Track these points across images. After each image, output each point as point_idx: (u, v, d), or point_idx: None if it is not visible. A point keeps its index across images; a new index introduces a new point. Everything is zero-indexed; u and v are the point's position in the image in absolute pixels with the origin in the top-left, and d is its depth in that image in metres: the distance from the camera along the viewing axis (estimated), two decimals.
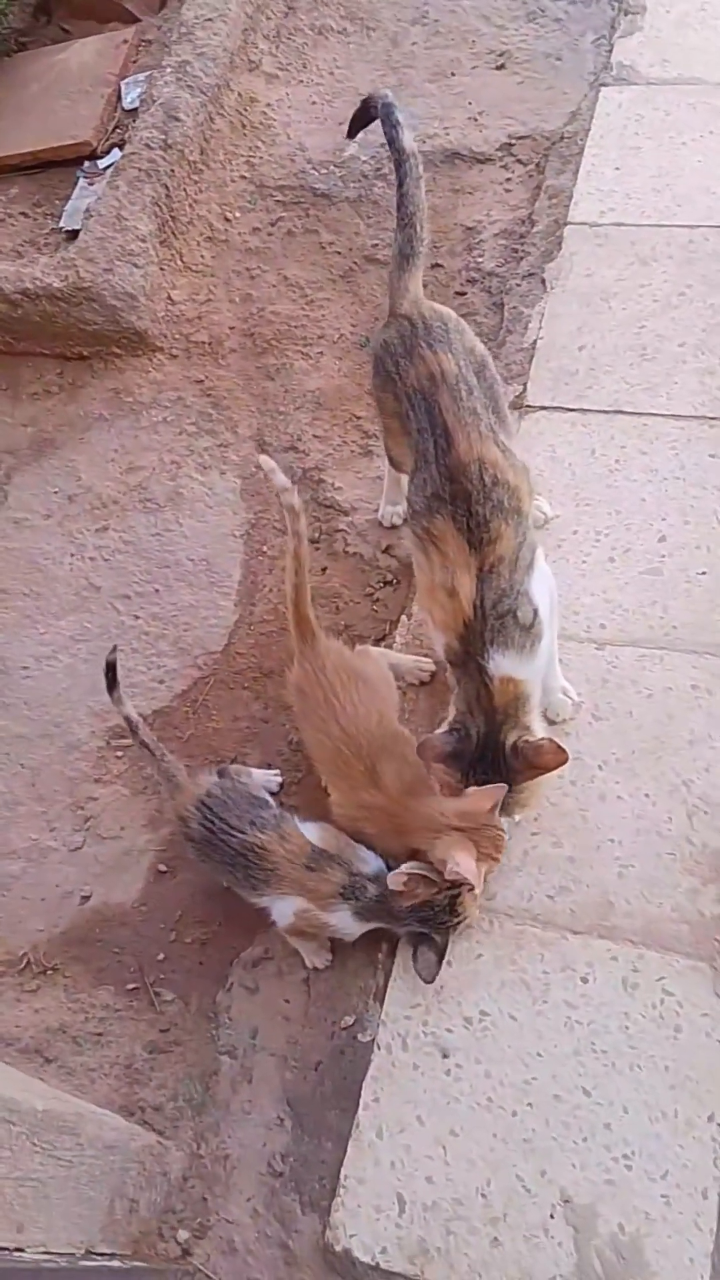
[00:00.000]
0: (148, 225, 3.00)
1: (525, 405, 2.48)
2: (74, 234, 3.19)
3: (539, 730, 1.87)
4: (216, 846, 1.96)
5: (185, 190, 3.12)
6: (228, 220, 3.15)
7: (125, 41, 3.60)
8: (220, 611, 2.56)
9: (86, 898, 2.27)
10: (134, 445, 2.86)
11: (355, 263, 2.98)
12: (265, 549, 2.60)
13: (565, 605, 2.14)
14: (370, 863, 1.94)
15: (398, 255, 2.12)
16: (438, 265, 2.83)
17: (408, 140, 2.14)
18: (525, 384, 2.50)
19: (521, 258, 2.76)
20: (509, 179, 2.95)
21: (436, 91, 3.16)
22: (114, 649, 2.15)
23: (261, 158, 3.22)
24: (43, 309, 2.94)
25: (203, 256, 3.10)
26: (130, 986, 2.14)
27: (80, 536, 2.75)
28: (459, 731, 1.86)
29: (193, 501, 2.74)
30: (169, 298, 3.02)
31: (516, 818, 1.96)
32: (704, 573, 2.20)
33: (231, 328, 2.97)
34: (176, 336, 2.99)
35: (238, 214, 3.15)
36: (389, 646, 2.30)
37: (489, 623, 1.82)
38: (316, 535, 2.58)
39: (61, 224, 3.30)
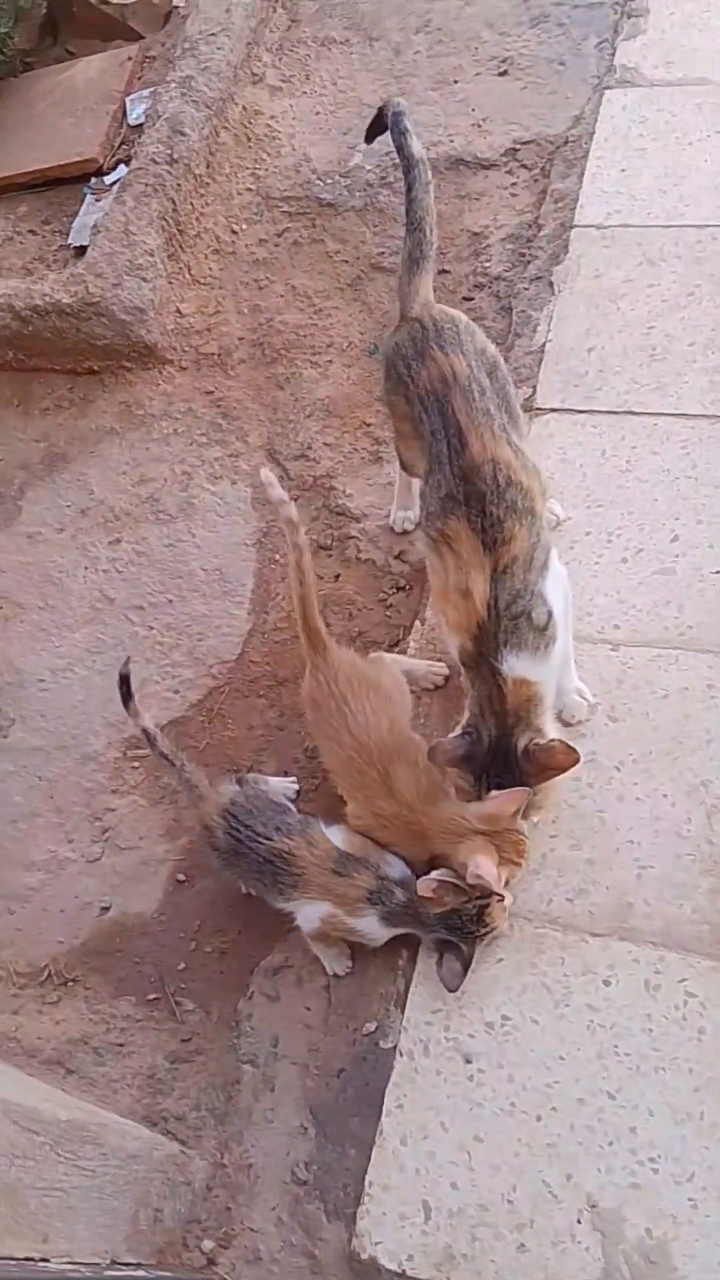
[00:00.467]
0: (155, 239, 3.02)
1: (535, 408, 2.48)
2: (82, 250, 3.21)
3: (551, 732, 1.86)
4: (243, 855, 1.96)
5: (192, 204, 3.14)
6: (234, 232, 3.16)
7: (130, 59, 3.62)
8: (234, 620, 2.56)
9: (106, 908, 2.27)
10: (145, 457, 2.88)
11: (362, 271, 2.99)
12: (277, 557, 2.60)
13: (579, 606, 2.13)
14: (396, 867, 1.93)
15: (407, 259, 2.12)
16: (445, 271, 2.83)
17: (416, 146, 2.16)
18: (535, 387, 2.50)
19: (529, 261, 2.77)
20: (514, 184, 2.96)
21: (440, 99, 3.17)
22: (126, 661, 2.15)
23: (267, 169, 3.24)
24: (53, 325, 2.96)
25: (210, 269, 3.11)
26: (151, 996, 2.14)
27: (93, 549, 2.77)
28: (470, 735, 1.85)
29: (204, 511, 2.75)
30: (177, 310, 3.04)
31: (534, 820, 1.95)
32: (717, 571, 2.19)
33: (240, 338, 2.98)
34: (186, 348, 3.00)
35: (244, 226, 3.17)
36: (403, 652, 2.30)
37: (503, 624, 1.81)
38: (328, 543, 2.58)
39: (70, 240, 3.33)
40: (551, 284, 2.67)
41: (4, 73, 3.69)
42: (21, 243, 3.43)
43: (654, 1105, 1.75)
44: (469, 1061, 1.84)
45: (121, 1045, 2.08)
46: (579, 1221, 1.69)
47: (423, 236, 2.12)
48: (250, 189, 3.22)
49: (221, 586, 2.61)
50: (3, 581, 2.77)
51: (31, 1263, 1.36)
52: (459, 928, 1.83)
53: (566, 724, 2.06)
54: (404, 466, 2.27)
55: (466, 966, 1.85)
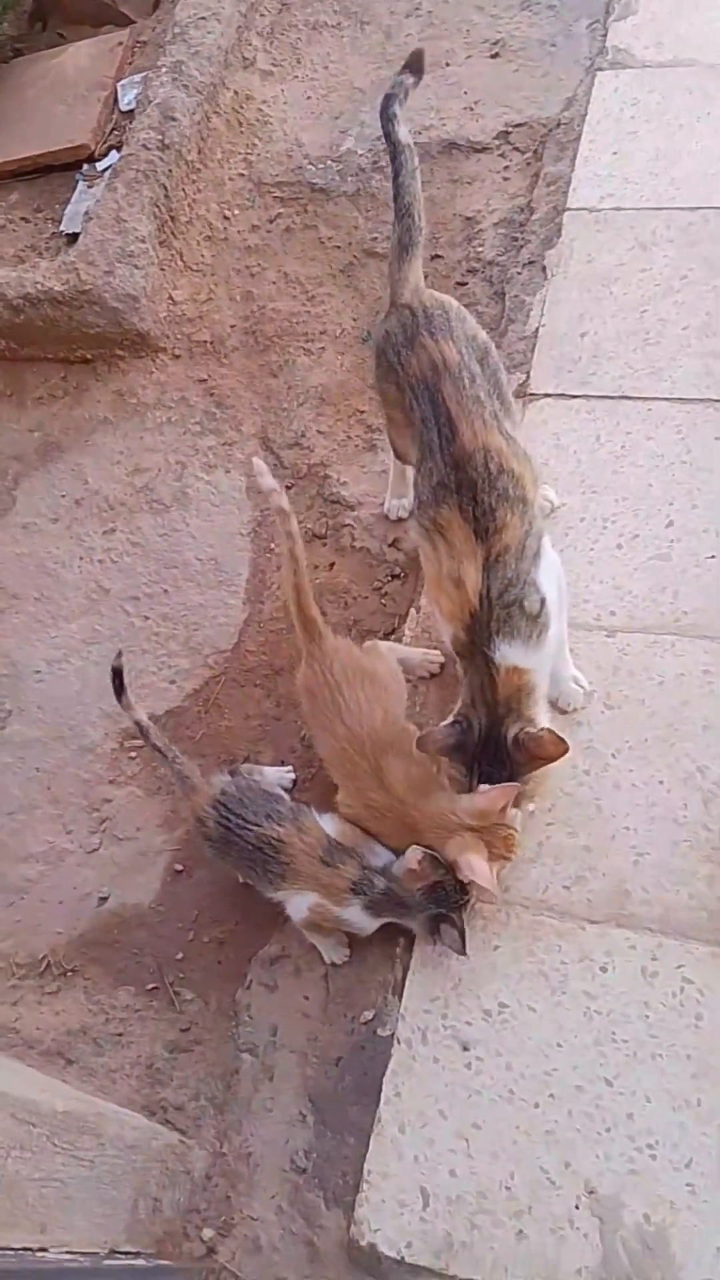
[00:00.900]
0: (147, 226, 2.99)
1: (529, 393, 2.46)
2: (74, 237, 3.19)
3: (544, 721, 1.86)
4: (234, 843, 1.96)
5: (184, 190, 3.12)
6: (227, 219, 3.14)
7: (120, 44, 3.60)
8: (229, 610, 2.56)
9: (104, 899, 2.28)
10: (139, 447, 2.87)
11: (355, 257, 2.97)
12: (273, 546, 2.59)
13: (574, 593, 2.13)
14: (380, 856, 1.93)
15: (397, 245, 2.11)
16: (438, 256, 2.82)
17: (403, 132, 2.14)
18: (528, 372, 2.49)
19: (521, 246, 2.75)
20: (507, 167, 2.94)
21: (432, 82, 3.14)
22: (119, 655, 2.14)
23: (259, 155, 3.21)
24: (45, 313, 2.95)
25: (203, 256, 3.10)
26: (150, 987, 2.15)
27: (88, 539, 2.76)
28: (461, 724, 1.85)
29: (199, 501, 2.74)
30: (170, 298, 3.02)
31: (530, 808, 1.95)
32: (713, 557, 2.18)
33: (233, 326, 2.97)
34: (179, 336, 2.99)
35: (236, 212, 3.15)
36: (398, 640, 2.30)
37: (495, 612, 1.81)
38: (323, 531, 2.57)
39: (62, 228, 3.31)
40: (544, 268, 2.65)
41: None
42: (14, 230, 3.41)
43: (651, 1092, 1.75)
44: (467, 1049, 1.84)
45: (120, 1035, 2.09)
46: (577, 1208, 1.70)
47: (412, 223, 2.10)
48: (242, 175, 3.19)
49: (217, 576, 2.61)
50: None
51: (30, 1253, 1.36)
52: (445, 899, 1.84)
53: (563, 711, 2.05)
54: (397, 454, 2.26)
55: (462, 931, 1.85)
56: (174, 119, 3.11)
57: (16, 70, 3.70)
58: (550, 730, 1.79)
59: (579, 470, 2.34)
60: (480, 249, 2.81)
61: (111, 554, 2.72)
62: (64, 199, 3.41)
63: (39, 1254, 1.37)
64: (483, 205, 2.89)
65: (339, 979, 1.99)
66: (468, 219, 2.88)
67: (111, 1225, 1.57)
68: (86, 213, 3.13)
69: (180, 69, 3.20)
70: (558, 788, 1.99)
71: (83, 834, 2.37)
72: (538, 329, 2.55)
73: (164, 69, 3.22)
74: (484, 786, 1.82)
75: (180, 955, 2.17)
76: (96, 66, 3.58)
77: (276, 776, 2.21)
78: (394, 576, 2.46)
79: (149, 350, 2.98)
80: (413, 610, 2.34)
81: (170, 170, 3.06)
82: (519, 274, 2.69)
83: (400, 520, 2.49)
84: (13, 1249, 1.33)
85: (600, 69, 2.94)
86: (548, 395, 2.46)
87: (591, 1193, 1.71)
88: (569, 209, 2.71)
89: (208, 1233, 1.80)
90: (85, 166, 3.43)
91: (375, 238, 2.95)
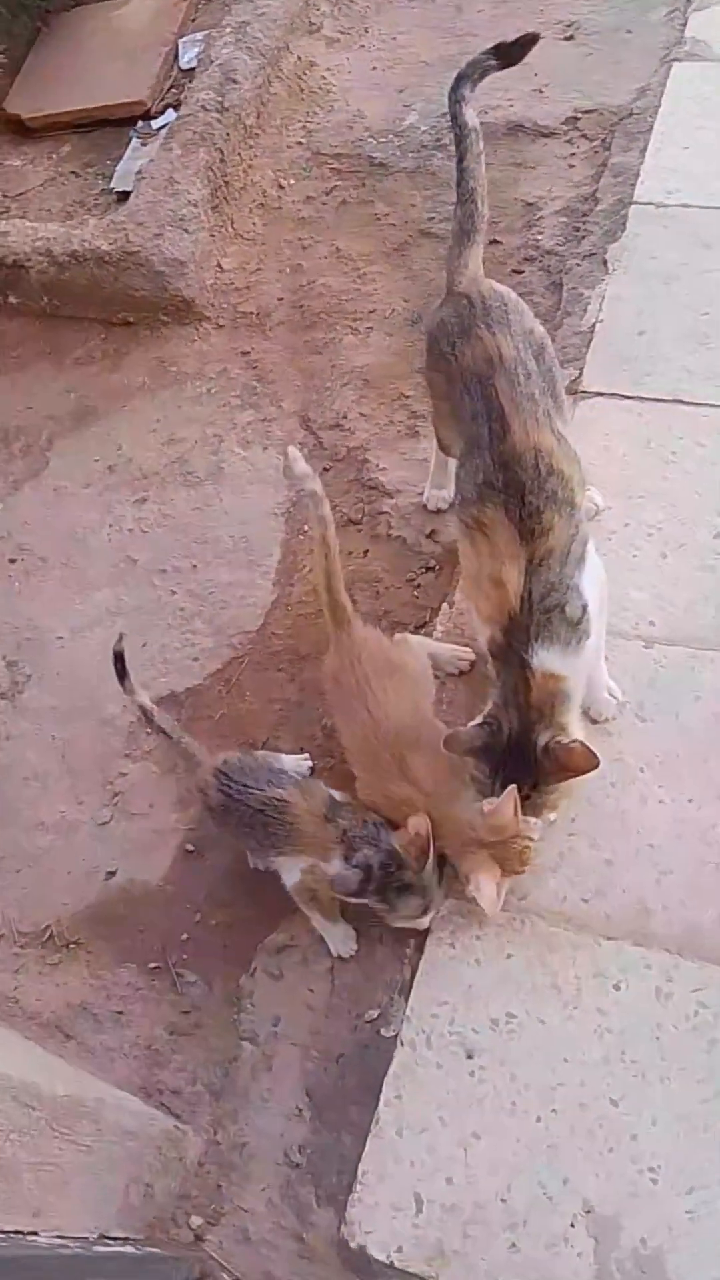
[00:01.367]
0: (200, 190, 2.94)
1: (580, 390, 2.40)
2: (124, 195, 3.15)
3: (577, 730, 1.81)
4: (234, 810, 1.95)
5: (239, 155, 3.06)
6: (281, 188, 3.08)
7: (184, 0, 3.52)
8: (257, 591, 2.52)
9: (112, 874, 2.25)
10: (176, 416, 2.82)
11: (409, 236, 2.90)
12: (305, 528, 2.54)
13: (614, 600, 2.07)
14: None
15: (457, 231, 2.05)
16: (495, 241, 2.75)
17: (470, 115, 2.07)
18: (581, 369, 2.43)
19: (583, 237, 2.68)
20: (573, 154, 2.87)
21: None
22: (120, 638, 2.10)
23: (318, 124, 3.15)
24: (90, 273, 2.90)
25: (254, 224, 3.04)
26: (153, 966, 2.12)
27: (119, 508, 2.72)
28: (491, 726, 1.81)
29: (234, 477, 2.69)
30: (218, 266, 2.97)
31: (551, 817, 1.91)
32: None
33: (280, 299, 2.91)
34: (224, 306, 2.94)
35: (291, 181, 3.08)
36: (429, 634, 2.25)
37: (535, 616, 1.76)
38: (359, 517, 2.53)
39: (112, 185, 3.26)
40: (605, 262, 2.58)
41: (55, 6, 3.60)
42: (63, 184, 3.36)
43: (657, 1114, 1.72)
44: (471, 1057, 1.81)
45: (121, 1014, 2.07)
46: (573, 1225, 1.67)
47: (474, 209, 2.04)
48: (300, 143, 3.13)
49: (247, 555, 2.57)
50: (27, 535, 2.73)
51: (21, 1236, 1.35)
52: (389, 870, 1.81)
53: (594, 721, 2.01)
54: (441, 446, 2.21)
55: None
56: (235, 81, 3.05)
57: (75, 20, 3.64)
58: (583, 743, 1.74)
59: (626, 474, 2.28)
60: (539, 237, 2.75)
61: (142, 524, 2.68)
62: (115, 155, 3.35)
63: (30, 1237, 1.35)
64: (545, 192, 2.82)
65: (345, 974, 1.97)
66: (529, 204, 2.81)
67: (103, 1210, 1.56)
68: (139, 172, 3.08)
69: (244, 30, 3.14)
70: (583, 797, 1.95)
71: (95, 806, 2.34)
72: (594, 324, 2.49)
73: (228, 29, 3.16)
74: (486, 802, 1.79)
75: (185, 936, 2.14)
76: (158, 21, 3.50)
77: (293, 764, 2.18)
78: (428, 569, 2.42)
79: (193, 318, 2.93)
80: (445, 605, 2.29)
81: (228, 134, 3.01)
82: (578, 265, 2.62)
83: (439, 512, 2.44)
84: (4, 1231, 1.31)
85: (676, 60, 2.86)
86: (600, 394, 2.40)
87: (589, 1211, 1.68)
88: (634, 202, 2.64)
89: (196, 1220, 1.78)
90: (140, 124, 3.37)
91: (432, 218, 2.89)
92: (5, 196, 3.32)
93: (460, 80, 2.09)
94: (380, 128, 3.08)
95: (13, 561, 2.69)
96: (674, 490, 2.25)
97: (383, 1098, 1.80)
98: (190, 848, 2.24)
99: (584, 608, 1.80)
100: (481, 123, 2.10)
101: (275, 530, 2.59)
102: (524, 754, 1.78)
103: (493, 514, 1.80)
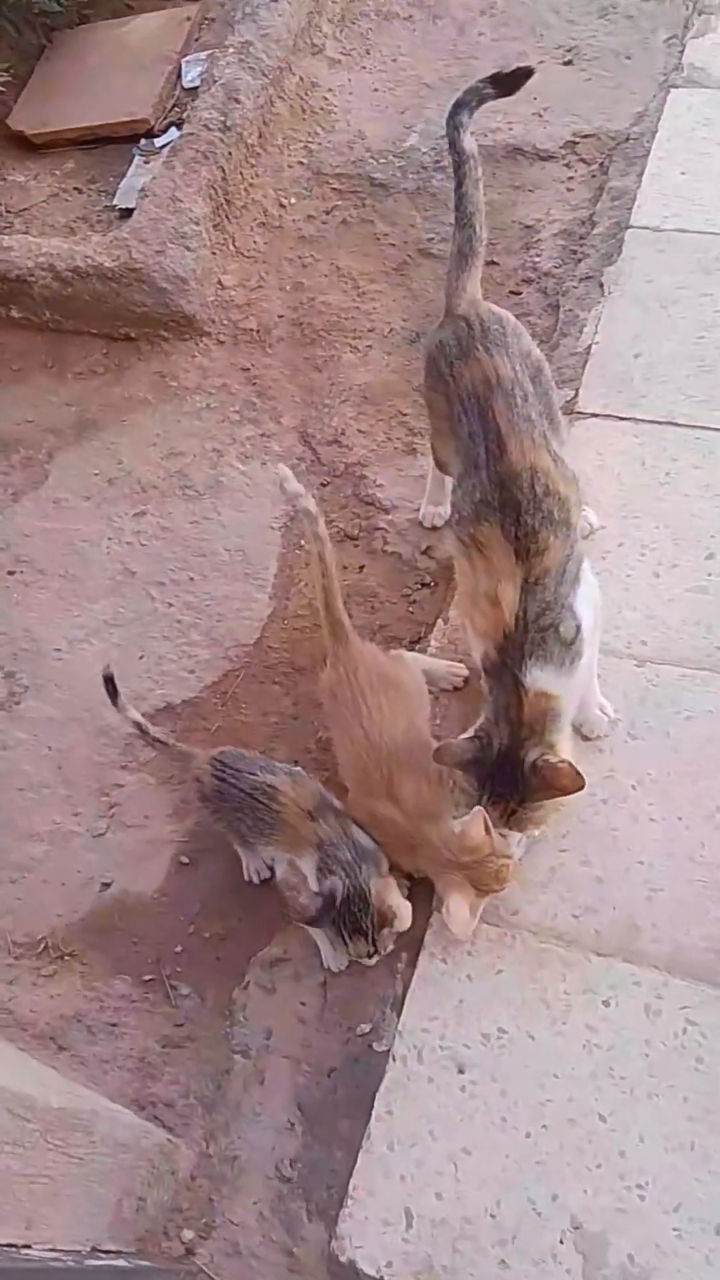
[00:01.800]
0: (202, 208, 2.96)
1: (576, 411, 2.43)
2: (127, 212, 3.16)
3: (566, 749, 1.83)
4: (228, 797, 2.00)
5: (241, 173, 3.08)
6: (282, 206, 3.11)
7: (188, 19, 3.56)
8: (254, 604, 2.54)
9: (107, 885, 2.26)
10: (176, 431, 2.84)
11: (409, 256, 2.93)
12: (303, 543, 2.56)
13: (607, 619, 2.09)
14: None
15: (456, 255, 2.08)
16: (493, 263, 2.77)
17: (468, 141, 2.10)
18: (577, 389, 2.46)
19: (580, 259, 2.71)
20: (571, 178, 2.90)
21: None
22: (108, 666, 2.19)
23: (320, 144, 3.18)
24: (93, 288, 2.92)
25: (255, 242, 3.06)
26: (147, 977, 2.13)
27: (118, 520, 2.74)
28: (481, 740, 1.83)
29: (232, 491, 2.71)
30: (219, 283, 2.99)
31: (535, 834, 1.93)
32: None
33: (280, 316, 2.94)
34: (225, 322, 2.96)
35: (293, 200, 3.11)
36: (423, 650, 2.27)
37: (530, 635, 1.78)
38: (355, 532, 2.55)
39: (115, 202, 3.28)
40: (602, 284, 2.61)
41: (60, 23, 3.62)
42: (66, 200, 3.38)
43: (646, 1132, 1.73)
44: (462, 1072, 1.83)
45: (114, 1025, 2.08)
46: (561, 1242, 1.68)
47: (473, 233, 2.07)
48: (302, 163, 3.16)
49: (244, 568, 2.59)
50: (27, 546, 2.74)
51: (14, 1249, 1.35)
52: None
53: (586, 738, 2.03)
54: (438, 464, 2.23)
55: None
56: (238, 100, 3.08)
57: (80, 37, 3.66)
58: (570, 764, 1.76)
59: (621, 494, 2.31)
60: (537, 259, 2.78)
61: (141, 537, 2.70)
62: (118, 172, 3.37)
63: (22, 1250, 1.36)
64: (543, 214, 2.86)
65: (338, 988, 1.98)
66: (527, 227, 2.84)
67: (96, 1223, 1.56)
68: (142, 189, 3.10)
69: (247, 50, 3.16)
70: (574, 815, 1.96)
71: (90, 817, 2.35)
72: (590, 346, 2.52)
73: (231, 48, 3.18)
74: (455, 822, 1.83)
75: (179, 948, 2.15)
76: (162, 40, 3.53)
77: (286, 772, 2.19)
78: (424, 584, 2.44)
79: (194, 334, 2.95)
80: (440, 621, 2.31)
81: (230, 152, 3.03)
82: (575, 287, 2.65)
83: (435, 528, 2.46)
84: None
85: (675, 85, 2.89)
86: (595, 414, 2.42)
87: (577, 1228, 1.69)
88: (631, 226, 2.67)
89: (188, 1234, 1.79)
90: (143, 141, 3.39)
91: (432, 238, 2.92)
92: (9, 212, 3.34)
93: (458, 107, 2.12)
94: (381, 148, 3.11)
95: (11, 573, 2.70)
96: (668, 511, 2.27)
97: (374, 1112, 1.81)
98: (185, 859, 2.25)
99: (578, 627, 1.82)
100: (481, 145, 2.13)
101: (272, 544, 2.60)
102: (512, 770, 1.80)
103: (489, 532, 1.82)
